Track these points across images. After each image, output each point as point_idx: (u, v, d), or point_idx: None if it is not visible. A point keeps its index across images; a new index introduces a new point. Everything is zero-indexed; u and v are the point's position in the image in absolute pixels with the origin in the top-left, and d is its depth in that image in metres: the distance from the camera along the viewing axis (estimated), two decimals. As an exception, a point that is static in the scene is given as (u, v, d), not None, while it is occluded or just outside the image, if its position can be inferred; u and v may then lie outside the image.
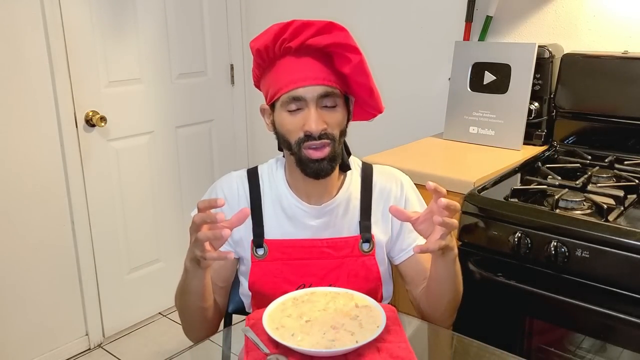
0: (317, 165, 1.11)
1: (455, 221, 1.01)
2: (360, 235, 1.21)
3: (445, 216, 1.00)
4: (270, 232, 1.20)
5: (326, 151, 1.11)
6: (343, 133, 1.15)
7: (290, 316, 1.04)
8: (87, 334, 2.48)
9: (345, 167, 1.22)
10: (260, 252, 1.19)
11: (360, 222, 1.22)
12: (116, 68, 2.40)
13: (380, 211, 1.24)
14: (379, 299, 1.25)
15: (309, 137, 1.09)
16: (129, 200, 2.54)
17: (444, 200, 1.00)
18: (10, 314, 2.21)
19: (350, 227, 1.22)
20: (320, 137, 1.09)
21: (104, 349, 2.50)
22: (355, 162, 1.27)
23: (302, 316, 1.04)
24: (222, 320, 1.39)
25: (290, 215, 1.21)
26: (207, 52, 2.75)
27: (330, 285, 1.18)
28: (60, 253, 2.33)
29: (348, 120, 1.17)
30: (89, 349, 2.49)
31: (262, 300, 1.19)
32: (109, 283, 2.53)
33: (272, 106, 1.14)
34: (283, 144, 1.15)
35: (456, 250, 1.11)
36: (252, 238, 1.20)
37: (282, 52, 1.10)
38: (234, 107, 2.93)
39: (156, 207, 2.66)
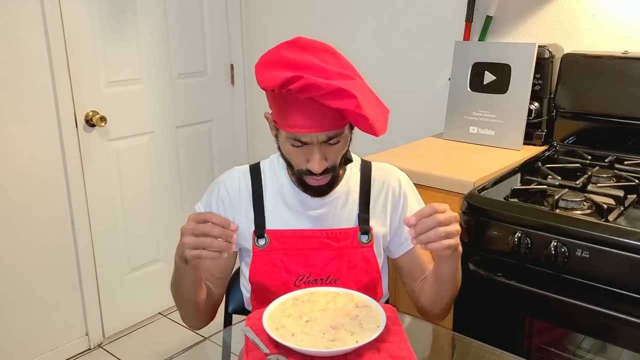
0: (316, 188, 1.16)
1: (451, 229, 1.02)
2: (359, 227, 1.23)
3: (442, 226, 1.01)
4: (271, 222, 1.23)
5: (326, 180, 1.15)
6: (345, 154, 1.18)
7: (290, 316, 1.04)
8: (87, 334, 2.48)
9: (347, 161, 1.24)
10: (262, 242, 1.21)
11: (359, 214, 1.24)
12: (116, 68, 2.40)
13: (379, 205, 1.26)
14: (379, 293, 1.26)
15: (311, 171, 1.12)
16: (129, 200, 2.54)
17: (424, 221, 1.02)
18: (10, 314, 2.21)
19: (349, 219, 1.24)
20: (321, 173, 1.12)
21: (104, 349, 2.50)
22: (354, 158, 1.29)
23: (302, 316, 1.04)
24: (223, 320, 1.40)
25: (291, 206, 1.23)
26: (207, 52, 2.75)
27: (329, 277, 1.20)
28: (60, 253, 2.33)
29: (351, 132, 1.18)
30: (89, 349, 2.49)
31: (262, 292, 1.21)
32: (109, 283, 2.53)
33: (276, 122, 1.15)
34: (285, 161, 1.19)
35: (461, 249, 1.12)
36: (253, 229, 1.22)
37: (288, 96, 1.07)
38: (234, 107, 2.93)
39: (156, 207, 2.66)
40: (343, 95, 1.03)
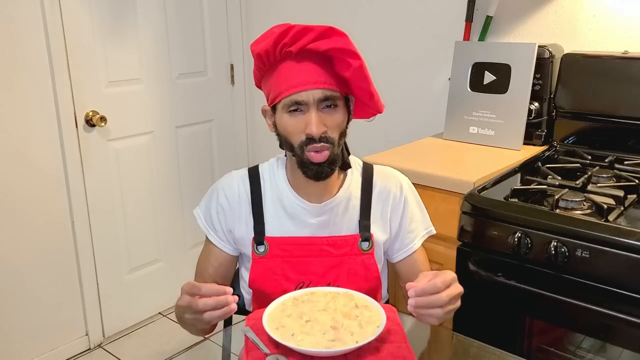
0: (317, 168, 1.13)
1: (451, 308, 1.01)
2: (360, 234, 1.22)
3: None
4: (271, 229, 1.22)
5: (325, 154, 1.12)
6: (343, 134, 1.17)
7: (290, 316, 1.04)
8: (87, 334, 2.49)
9: (345, 166, 1.23)
10: (261, 249, 1.20)
11: (359, 221, 1.23)
12: (116, 68, 2.40)
13: (379, 211, 1.25)
14: (379, 298, 1.25)
15: (310, 139, 1.11)
16: (129, 200, 2.54)
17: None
18: (10, 314, 2.21)
19: (349, 226, 1.23)
20: (320, 140, 1.10)
21: (104, 349, 2.50)
22: (355, 162, 1.28)
23: (302, 316, 1.04)
24: (223, 320, 1.39)
25: (291, 213, 1.22)
26: (207, 52, 2.75)
27: (329, 284, 1.19)
28: (60, 253, 2.33)
29: (348, 120, 1.18)
30: (89, 349, 2.49)
31: (262, 298, 1.21)
32: (109, 283, 2.53)
33: (274, 107, 1.15)
34: (285, 145, 1.17)
35: (459, 303, 1.07)
36: (253, 236, 1.21)
37: (282, 56, 1.11)
38: (234, 107, 2.93)
39: (156, 207, 2.66)
40: (333, 33, 1.08)
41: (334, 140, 1.13)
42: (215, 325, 1.27)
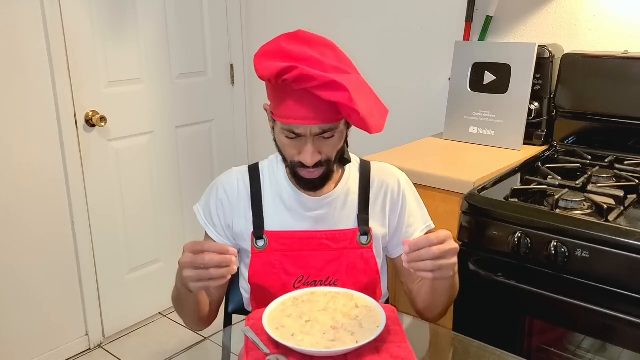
0: (309, 181, 1.16)
1: (444, 262, 1.00)
2: (359, 228, 1.23)
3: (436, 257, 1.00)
4: (270, 224, 1.22)
5: (318, 173, 1.15)
6: (340, 149, 1.18)
7: (291, 316, 1.04)
8: (87, 334, 2.49)
9: (345, 161, 1.24)
10: (260, 243, 1.21)
11: (358, 215, 1.24)
12: (116, 68, 2.40)
13: (378, 205, 1.26)
14: (378, 293, 1.26)
15: (303, 164, 1.12)
16: (129, 200, 2.54)
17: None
18: (10, 314, 2.21)
19: (348, 220, 1.24)
20: (314, 166, 1.12)
21: (104, 349, 2.50)
22: (353, 159, 1.29)
23: (302, 316, 1.04)
24: (223, 320, 1.40)
25: (290, 207, 1.23)
26: (207, 52, 2.75)
27: (328, 278, 1.20)
28: (60, 253, 2.33)
29: (348, 127, 1.18)
30: (89, 349, 2.49)
31: (261, 294, 1.21)
32: (109, 283, 2.53)
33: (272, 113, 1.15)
34: (279, 152, 1.19)
35: (456, 268, 1.08)
36: (252, 230, 1.22)
37: (284, 86, 1.09)
38: (234, 107, 2.93)
39: (156, 207, 2.66)
40: (336, 87, 1.03)
41: (329, 161, 1.15)
42: (212, 318, 1.28)
